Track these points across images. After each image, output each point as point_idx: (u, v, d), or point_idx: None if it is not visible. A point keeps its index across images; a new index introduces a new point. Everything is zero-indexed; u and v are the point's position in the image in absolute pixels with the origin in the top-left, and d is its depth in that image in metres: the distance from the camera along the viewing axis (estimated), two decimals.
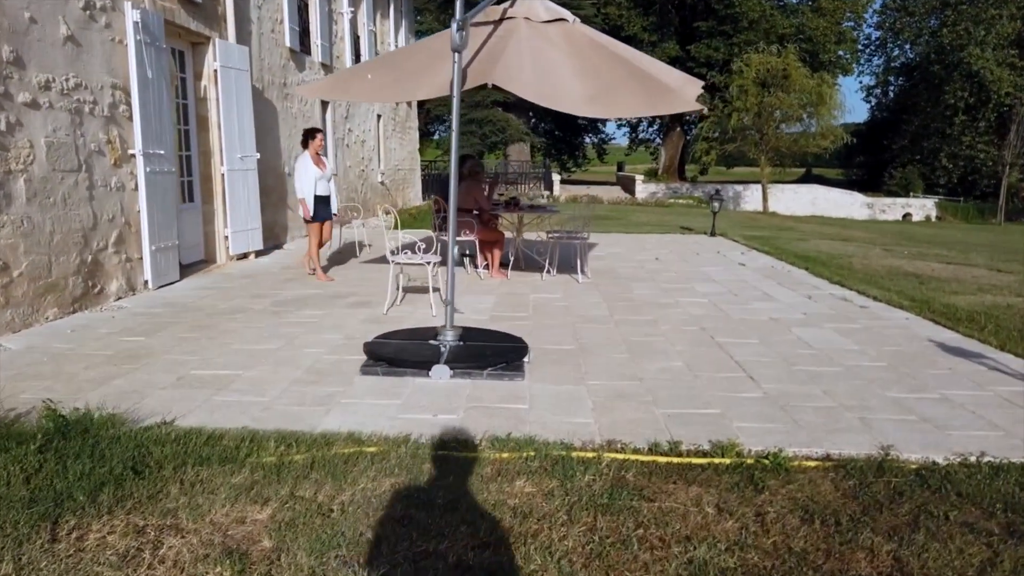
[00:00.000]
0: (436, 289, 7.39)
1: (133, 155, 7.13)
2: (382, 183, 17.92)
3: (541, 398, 4.18)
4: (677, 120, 41.67)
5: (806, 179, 48.63)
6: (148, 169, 7.24)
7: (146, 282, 7.29)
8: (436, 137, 38.32)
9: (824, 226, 19.56)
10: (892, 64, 47.17)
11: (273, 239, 11.03)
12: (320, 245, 8.23)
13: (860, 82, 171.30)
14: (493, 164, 34.17)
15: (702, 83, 5.80)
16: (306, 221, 8.03)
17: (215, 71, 8.96)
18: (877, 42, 47.51)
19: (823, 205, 31.75)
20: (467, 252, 8.93)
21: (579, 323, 6.16)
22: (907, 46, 45.64)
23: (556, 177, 30.08)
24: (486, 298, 7.20)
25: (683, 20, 38.56)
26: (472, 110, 33.65)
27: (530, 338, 5.52)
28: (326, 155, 8.33)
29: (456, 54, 4.60)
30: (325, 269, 8.41)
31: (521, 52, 5.22)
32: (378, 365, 4.57)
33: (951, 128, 39.30)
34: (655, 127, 47.48)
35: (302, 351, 5.07)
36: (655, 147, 47.66)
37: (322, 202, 7.99)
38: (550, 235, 8.56)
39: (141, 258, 7.25)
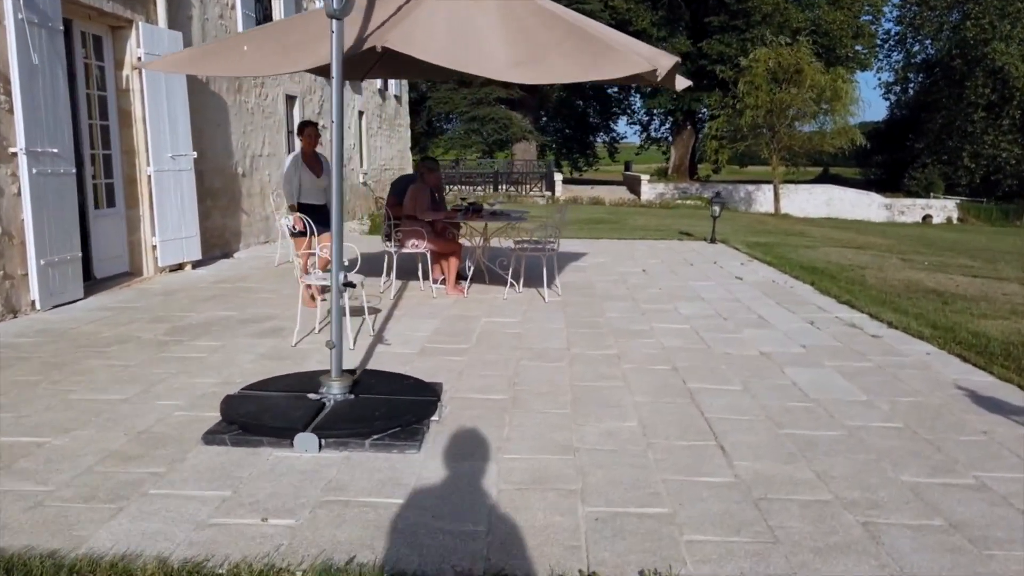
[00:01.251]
0: (375, 311, 6.31)
1: (14, 154, 6.09)
2: (364, 184, 16.88)
3: (429, 487, 3.08)
4: (688, 118, 40.43)
5: (822, 179, 47.18)
6: (35, 170, 6.20)
7: (33, 302, 6.26)
8: (449, 135, 37.26)
9: (837, 230, 18.31)
10: (912, 60, 45.57)
11: (221, 247, 10.00)
12: (306, 266, 6.15)
13: (879, 78, 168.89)
14: (496, 164, 33.12)
15: (678, 59, 4.68)
16: (291, 235, 6.54)
17: (139, 59, 7.92)
18: (896, 37, 45.93)
19: (839, 206, 30.40)
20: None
21: (526, 359, 5.05)
22: (927, 41, 44.02)
23: (558, 177, 28.91)
24: (427, 323, 6.11)
25: (694, 15, 37.24)
26: (474, 107, 32.62)
27: (456, 382, 4.42)
28: (323, 157, 6.61)
29: (334, 21, 3.52)
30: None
31: (435, 14, 4.14)
32: (230, 430, 3.48)
33: (973, 126, 37.73)
34: (667, 125, 46.19)
35: (152, 404, 4.00)
36: (667, 146, 46.35)
37: (311, 212, 6.35)
38: (516, 245, 7.45)
39: (26, 274, 6.21)
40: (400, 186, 7.73)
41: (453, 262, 7.35)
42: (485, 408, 4.04)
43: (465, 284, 7.61)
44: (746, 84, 26.13)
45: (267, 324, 5.90)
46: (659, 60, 4.65)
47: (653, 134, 48.06)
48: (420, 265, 7.60)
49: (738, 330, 6.03)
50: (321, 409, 3.67)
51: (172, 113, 8.35)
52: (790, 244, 12.77)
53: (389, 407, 3.73)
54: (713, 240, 12.30)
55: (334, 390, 3.78)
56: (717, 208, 12.15)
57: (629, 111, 47.88)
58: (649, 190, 29.87)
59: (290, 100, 12.70)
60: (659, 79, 3.80)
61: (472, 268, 7.99)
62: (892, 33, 46.35)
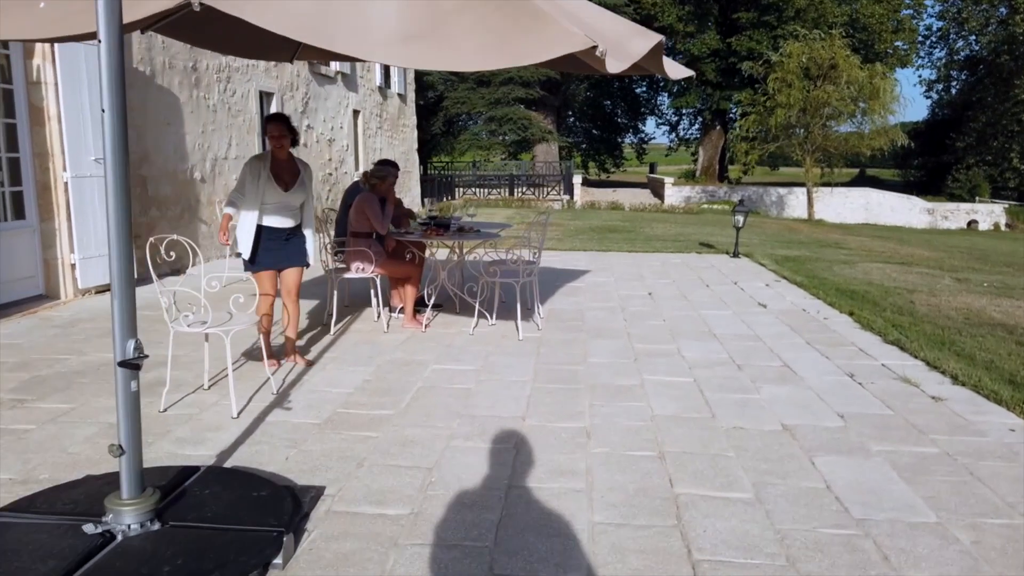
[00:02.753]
0: (302, 357, 5.03)
1: None
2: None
3: None
4: (718, 118, 38.73)
5: (859, 181, 45.08)
6: None
7: None
8: (466, 136, 35.95)
9: (877, 239, 16.68)
10: (955, 56, 43.28)
11: (171, 263, 8.82)
12: (269, 312, 4.77)
13: (919, 75, 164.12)
14: (513, 167, 31.82)
15: (661, 38, 3.35)
16: (245, 269, 4.80)
17: (52, 45, 6.76)
18: (939, 32, 43.73)
19: (877, 211, 28.58)
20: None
21: (460, 437, 3.74)
22: (972, 37, 41.75)
23: (577, 179, 27.48)
24: (356, 372, 4.82)
25: (723, 10, 35.57)
26: (493, 108, 31.36)
27: (347, 482, 3.13)
28: (301, 163, 4.82)
29: None
30: (280, 353, 5.04)
31: None
32: None
33: (1021, 126, 35.52)
34: (696, 126, 44.50)
35: None
36: (695, 146, 44.63)
37: (273, 238, 4.71)
38: (490, 269, 6.13)
39: None
40: (351, 197, 6.46)
41: (410, 289, 6.06)
42: (371, 536, 2.74)
43: (426, 314, 6.32)
44: (777, 81, 24.49)
45: (150, 374, 4.65)
46: (638, 39, 3.30)
47: (682, 134, 46.40)
48: (372, 291, 6.31)
49: (755, 387, 4.65)
50: (98, 550, 2.40)
51: (96, 109, 7.18)
52: (824, 258, 11.26)
53: (203, 546, 2.44)
54: (736, 254, 10.86)
55: (124, 519, 2.50)
56: (740, 218, 10.71)
57: (657, 111, 46.36)
58: (673, 193, 28.33)
59: (265, 97, 11.52)
60: (604, 59, 2.48)
61: (434, 295, 6.67)
62: (934, 28, 44.22)
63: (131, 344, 2.44)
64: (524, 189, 27.23)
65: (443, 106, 32.79)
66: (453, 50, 2.56)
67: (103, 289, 7.40)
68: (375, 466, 3.36)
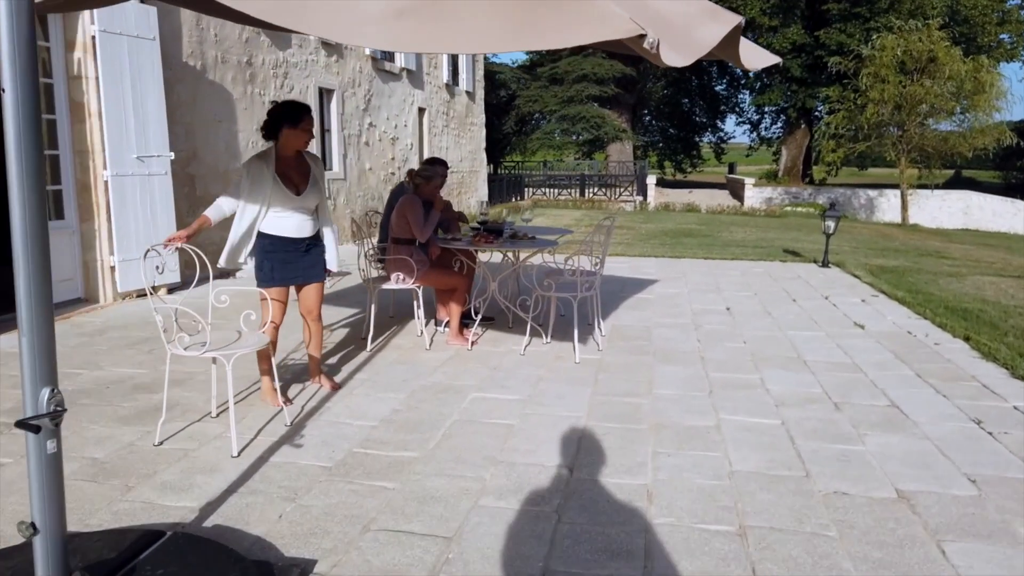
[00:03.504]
0: (329, 379, 4.49)
1: None
2: None
3: None
4: (803, 116, 36.88)
5: (955, 183, 42.29)
6: None
7: None
8: (537, 135, 35.21)
9: (982, 248, 15.21)
10: None
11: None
12: (275, 335, 4.10)
13: None
14: (585, 167, 31.05)
15: (740, 19, 2.60)
16: (259, 284, 4.08)
17: (92, 38, 6.45)
18: None
19: (977, 216, 26.52)
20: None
21: (493, 494, 3.09)
22: None
23: (651, 179, 26.45)
24: (386, 399, 4.23)
25: (810, 2, 33.80)
26: (565, 106, 30.62)
27: (345, 555, 2.52)
28: (313, 159, 4.21)
29: None
30: (286, 387, 4.36)
31: None
32: None
33: None
34: (779, 124, 42.62)
35: None
36: (777, 146, 42.75)
37: (291, 250, 4.06)
38: (544, 282, 5.46)
39: None
40: (396, 198, 5.89)
41: (455, 302, 5.45)
42: None
43: (473, 330, 5.70)
44: (869, 76, 22.92)
45: (155, 397, 4.17)
46: (701, 25, 2.57)
47: (764, 133, 44.54)
48: (415, 303, 5.72)
49: (858, 434, 3.83)
50: None
51: (140, 104, 6.85)
52: (926, 269, 10.13)
53: None
54: (826, 263, 9.86)
55: None
56: (831, 223, 9.69)
57: (738, 109, 44.68)
58: (754, 195, 26.98)
59: (325, 94, 11.14)
60: (656, 51, 1.79)
61: (483, 308, 6.03)
62: None
63: (45, 394, 1.89)
64: (595, 190, 26.39)
65: (515, 105, 32.24)
66: (458, 29, 1.90)
67: (143, 293, 7.08)
68: (382, 532, 2.75)
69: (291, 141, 4.07)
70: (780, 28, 33.06)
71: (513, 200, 24.85)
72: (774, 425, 3.94)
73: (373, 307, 5.45)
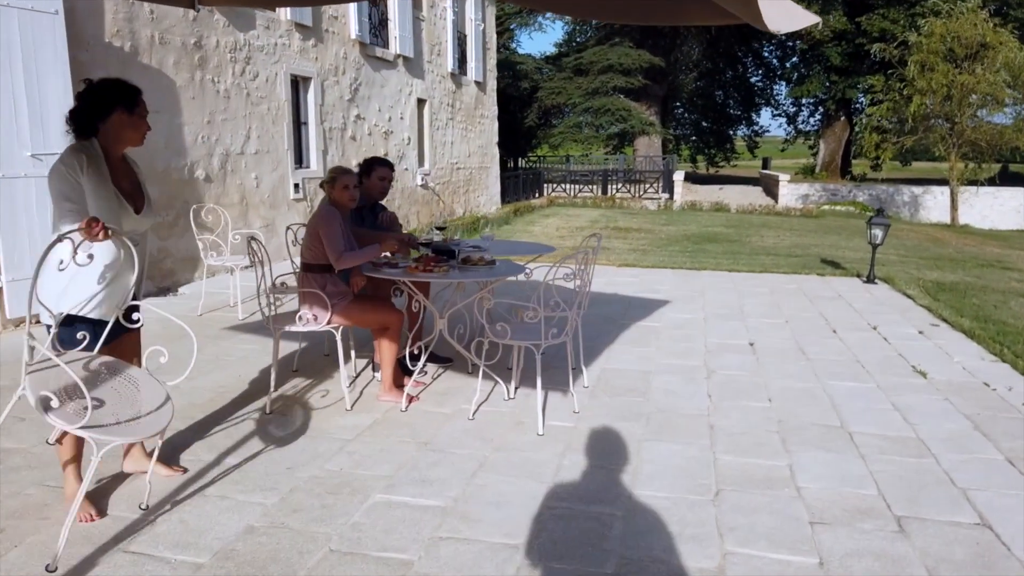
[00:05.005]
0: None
1: None
2: (424, 186, 13.99)
3: None
4: (842, 107, 34.91)
5: (1002, 179, 39.88)
6: None
7: None
8: (559, 128, 33.64)
9: None
10: None
11: (158, 280, 7.31)
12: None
13: None
14: (610, 161, 29.62)
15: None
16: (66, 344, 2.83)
17: None
18: None
19: None
20: None
21: None
22: None
23: (678, 176, 24.87)
24: (244, 509, 2.96)
25: None
26: (589, 98, 29.13)
27: None
28: (134, 164, 2.99)
29: None
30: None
31: None
32: None
33: None
34: (817, 116, 40.62)
35: None
36: (815, 139, 40.73)
37: (118, 290, 2.89)
38: (496, 327, 4.14)
39: None
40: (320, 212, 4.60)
41: (387, 345, 4.16)
42: None
43: (414, 379, 4.42)
44: (917, 64, 21.11)
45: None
46: None
47: (800, 126, 42.55)
48: (331, 343, 4.42)
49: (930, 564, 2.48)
50: None
51: (35, 92, 5.68)
52: (992, 286, 8.60)
53: None
54: (871, 279, 8.39)
55: None
56: (879, 232, 8.21)
57: (773, 101, 42.75)
58: (789, 192, 25.28)
59: (301, 83, 9.93)
60: None
61: (425, 351, 4.67)
62: None
63: None
64: (620, 186, 24.92)
65: (537, 97, 30.81)
66: None
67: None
68: None
69: (126, 133, 2.87)
70: (819, 14, 31.14)
71: (534, 196, 23.52)
72: (809, 565, 2.60)
73: (277, 354, 4.18)
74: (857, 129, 34.52)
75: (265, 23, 8.94)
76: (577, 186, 25.11)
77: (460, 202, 16.13)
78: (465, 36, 16.15)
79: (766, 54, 41.13)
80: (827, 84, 33.62)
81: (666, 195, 23.73)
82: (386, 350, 4.17)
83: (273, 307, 4.15)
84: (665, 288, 7.87)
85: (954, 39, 20.77)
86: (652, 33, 31.98)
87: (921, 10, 27.14)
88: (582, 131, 30.19)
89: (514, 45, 34.68)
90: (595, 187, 24.89)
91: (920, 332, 6.10)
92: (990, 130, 21.53)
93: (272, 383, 4.13)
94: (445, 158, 15.19)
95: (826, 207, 23.03)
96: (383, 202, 4.90)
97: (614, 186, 24.84)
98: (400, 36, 12.55)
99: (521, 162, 31.01)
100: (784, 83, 39.59)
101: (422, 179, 13.82)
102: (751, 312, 6.78)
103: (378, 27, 12.09)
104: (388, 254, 4.33)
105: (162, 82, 7.36)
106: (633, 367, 4.98)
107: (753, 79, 42.17)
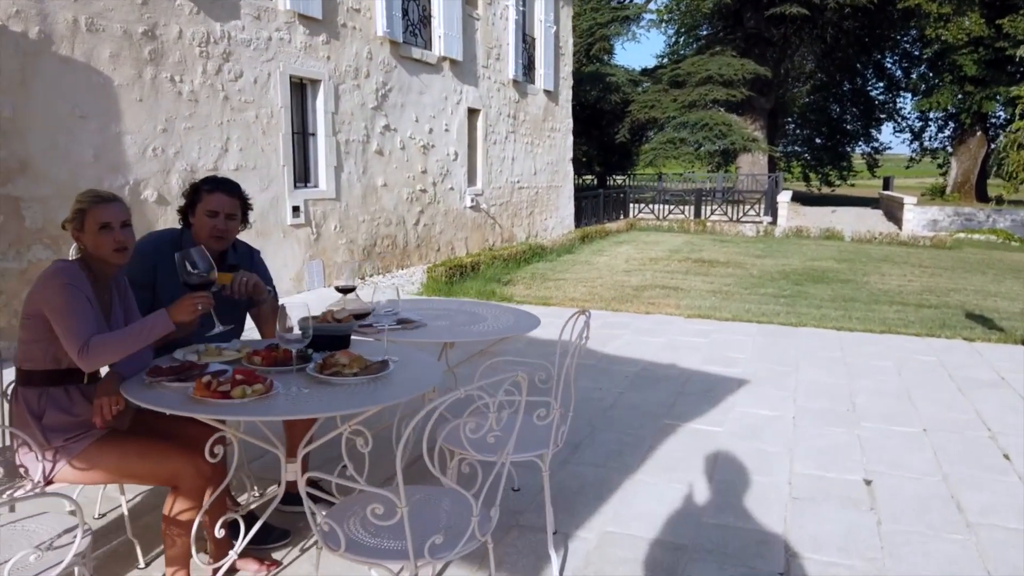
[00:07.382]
0: None
1: None
2: (475, 208, 12.19)
3: None
4: (978, 121, 30.89)
5: None
6: None
7: None
8: (650, 144, 31.26)
9: None
10: None
11: None
12: None
13: None
14: (709, 180, 27.11)
15: None
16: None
17: None
18: None
19: None
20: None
21: None
22: None
23: (783, 197, 22.06)
24: None
25: None
26: (685, 111, 26.74)
27: None
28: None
29: None
30: None
31: None
32: None
33: None
34: (947, 132, 36.44)
35: None
36: (945, 157, 36.52)
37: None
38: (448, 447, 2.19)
39: None
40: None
41: (181, 511, 2.29)
42: None
43: (234, 559, 2.52)
44: None
45: None
46: None
47: (927, 143, 38.35)
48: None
49: None
50: None
51: None
52: None
53: None
54: None
55: None
56: None
57: (896, 116, 38.80)
58: (916, 217, 22.01)
59: (310, 86, 8.33)
60: None
61: (264, 514, 2.68)
62: None
63: None
64: (715, 207, 22.39)
65: (628, 111, 28.62)
66: None
67: None
68: None
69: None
70: (953, 17, 27.57)
71: (616, 218, 21.40)
72: None
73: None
74: (995, 145, 30.41)
75: (254, 12, 7.38)
76: (668, 206, 22.75)
77: (522, 226, 14.25)
78: (533, 39, 14.33)
79: (888, 64, 37.47)
80: (960, 96, 29.82)
81: (768, 218, 21.04)
82: (181, 521, 2.29)
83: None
84: (743, 356, 5.68)
85: None
86: (759, 42, 29.30)
87: None
88: (676, 147, 27.71)
89: (610, 57, 32.63)
90: (687, 208, 22.47)
91: None
92: None
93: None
94: (504, 176, 13.35)
95: (961, 235, 19.74)
96: (256, 248, 3.05)
97: (708, 207, 22.33)
98: (446, 35, 10.84)
99: (609, 180, 28.90)
100: (909, 95, 35.81)
101: (472, 200, 12.03)
102: (867, 409, 4.53)
103: (417, 25, 10.42)
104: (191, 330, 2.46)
105: (92, 79, 5.85)
106: (653, 531, 2.90)
107: (873, 92, 38.51)
